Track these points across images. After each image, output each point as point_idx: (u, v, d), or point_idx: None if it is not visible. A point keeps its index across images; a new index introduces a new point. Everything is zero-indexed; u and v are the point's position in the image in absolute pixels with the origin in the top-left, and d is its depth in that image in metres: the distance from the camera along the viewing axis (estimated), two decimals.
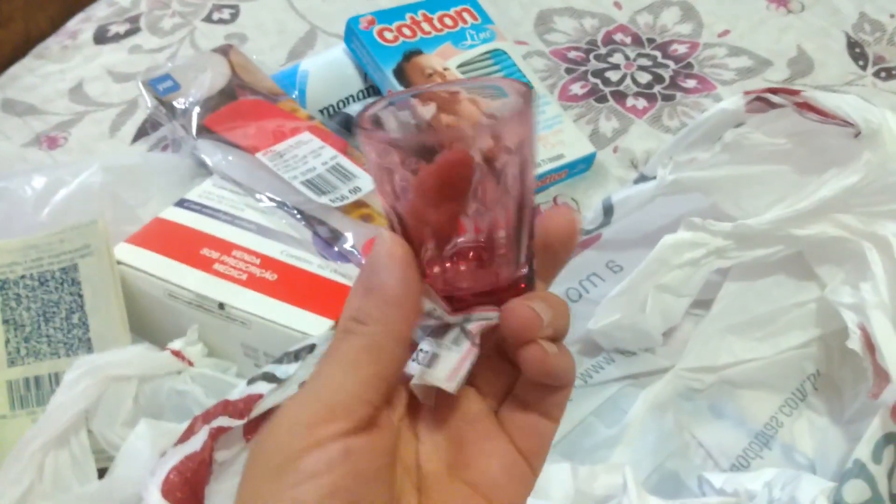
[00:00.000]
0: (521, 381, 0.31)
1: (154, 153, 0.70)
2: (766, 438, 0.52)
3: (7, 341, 0.51)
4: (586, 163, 0.70)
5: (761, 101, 0.49)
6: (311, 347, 0.47)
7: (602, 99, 0.75)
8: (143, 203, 0.62)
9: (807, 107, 0.48)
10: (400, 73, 0.69)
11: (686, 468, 0.50)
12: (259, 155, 0.60)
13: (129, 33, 0.86)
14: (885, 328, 0.46)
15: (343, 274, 0.53)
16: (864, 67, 0.79)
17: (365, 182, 0.60)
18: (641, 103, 0.75)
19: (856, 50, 0.81)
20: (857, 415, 0.50)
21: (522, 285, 0.30)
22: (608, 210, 0.57)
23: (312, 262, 0.54)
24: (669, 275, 0.53)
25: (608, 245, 0.58)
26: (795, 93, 0.50)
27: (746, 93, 0.51)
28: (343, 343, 0.27)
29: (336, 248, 0.54)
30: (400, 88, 0.67)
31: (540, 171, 0.67)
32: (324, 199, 0.57)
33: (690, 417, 0.52)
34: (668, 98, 0.76)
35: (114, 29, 0.87)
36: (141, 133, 0.75)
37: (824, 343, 0.52)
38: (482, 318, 0.29)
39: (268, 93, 0.69)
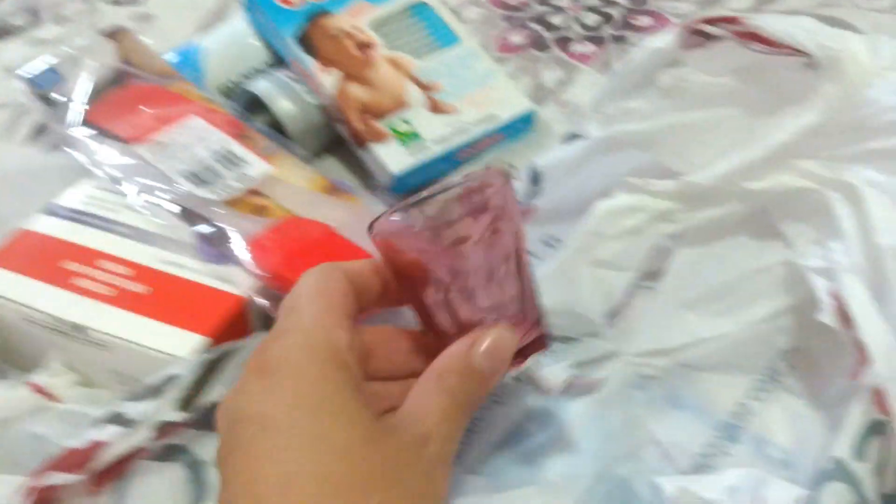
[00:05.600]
0: None
1: (37, 154, 0.63)
2: (733, 430, 0.43)
3: None
4: (525, 122, 0.61)
5: (698, 35, 0.41)
6: (173, 379, 0.40)
7: (543, 47, 0.67)
8: (19, 213, 0.55)
9: (751, 36, 0.39)
10: (305, 40, 0.61)
11: (638, 473, 0.42)
12: (139, 146, 0.53)
13: (30, 25, 0.79)
14: (861, 296, 0.37)
15: (225, 279, 0.46)
16: None
17: (258, 168, 0.52)
18: (588, 48, 0.67)
19: None
20: (842, 396, 0.41)
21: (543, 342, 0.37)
22: (536, 178, 0.49)
23: (192, 268, 0.46)
24: (606, 247, 0.45)
25: (544, 217, 0.49)
26: (736, 21, 0.41)
27: (680, 26, 0.42)
28: None
29: (219, 249, 0.47)
30: (304, 57, 0.59)
31: (469, 136, 0.58)
32: (205, 192, 0.49)
33: (643, 411, 0.44)
34: (618, 40, 0.67)
35: (13, 21, 0.79)
36: (37, 133, 0.67)
37: (798, 312, 0.43)
38: None
39: (159, 76, 0.61)
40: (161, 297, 0.45)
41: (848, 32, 0.39)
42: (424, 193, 0.35)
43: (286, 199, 0.51)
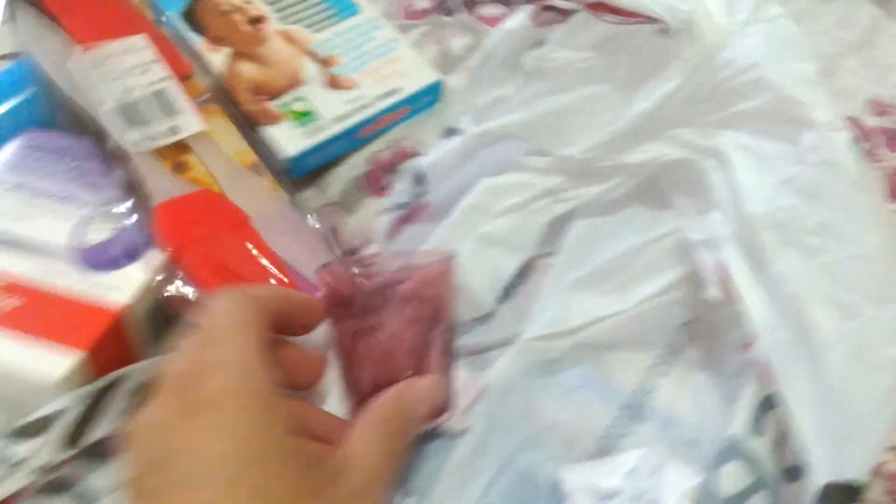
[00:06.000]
0: None
1: None
2: (636, 409, 0.42)
3: None
4: (432, 94, 0.58)
5: (551, 11, 0.39)
6: (54, 417, 0.38)
7: (450, 11, 0.64)
8: None
9: (602, 7, 0.37)
10: (191, 16, 0.57)
11: (542, 462, 0.41)
12: (79, 52, 0.49)
13: None
14: (741, 268, 0.36)
15: (105, 287, 0.43)
16: None
17: (191, 124, 0.49)
18: (497, 10, 0.64)
19: None
20: (743, 366, 0.40)
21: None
22: (420, 179, 0.47)
23: (69, 276, 0.44)
24: (494, 224, 0.43)
25: (436, 214, 0.47)
26: None
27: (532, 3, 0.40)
28: None
29: (126, 207, 0.45)
30: (191, 35, 0.56)
31: (370, 112, 0.56)
32: (132, 135, 0.46)
33: (544, 395, 0.43)
34: None
35: None
36: None
37: (692, 282, 0.42)
38: None
39: None
40: (35, 311, 0.42)
41: None
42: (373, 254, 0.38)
43: (212, 162, 0.48)
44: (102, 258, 0.45)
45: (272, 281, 0.44)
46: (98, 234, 0.46)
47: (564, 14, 0.40)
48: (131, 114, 0.47)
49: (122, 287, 0.44)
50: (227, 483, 0.26)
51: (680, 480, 0.36)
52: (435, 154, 0.46)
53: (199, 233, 0.45)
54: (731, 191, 0.37)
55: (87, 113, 0.47)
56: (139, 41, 0.49)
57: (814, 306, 0.34)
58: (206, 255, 0.44)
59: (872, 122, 0.58)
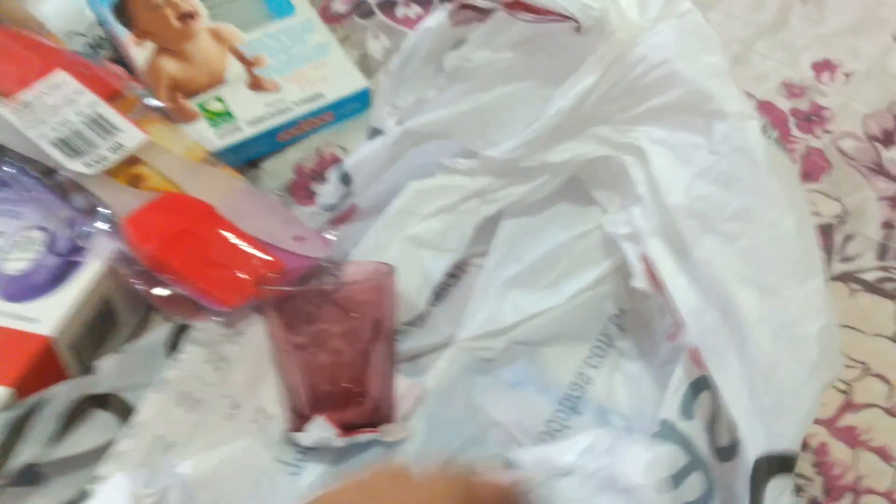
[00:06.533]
0: None
1: None
2: (574, 402, 0.43)
3: None
4: (360, 101, 0.58)
5: (469, 9, 0.39)
6: None
7: (367, 13, 0.64)
8: None
9: (517, 6, 0.38)
10: (121, 9, 0.56)
11: (484, 457, 0.41)
12: (3, 103, 0.47)
13: None
14: (664, 258, 0.37)
15: (28, 318, 0.42)
16: None
17: (132, 137, 0.48)
18: (414, 11, 0.64)
19: None
20: (673, 354, 0.41)
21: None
22: (345, 179, 0.47)
23: None
24: (423, 226, 0.43)
25: (369, 213, 0.47)
26: None
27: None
28: None
29: (91, 227, 0.44)
30: (118, 27, 0.55)
31: (289, 116, 0.55)
32: (77, 164, 0.45)
33: (484, 394, 0.43)
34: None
35: None
36: None
37: (621, 274, 0.43)
38: None
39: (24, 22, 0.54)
40: None
41: None
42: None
43: (168, 168, 0.48)
44: (24, 287, 0.44)
45: (255, 257, 0.45)
46: (17, 263, 0.45)
47: (482, 13, 0.40)
48: (73, 144, 0.46)
49: (48, 315, 0.43)
50: None
51: (636, 451, 0.37)
52: (359, 154, 0.46)
53: (171, 233, 0.45)
54: (651, 184, 0.38)
55: (28, 155, 0.46)
56: (59, 76, 0.48)
57: (736, 289, 0.35)
58: (185, 252, 0.44)
59: (785, 104, 0.60)
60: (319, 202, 0.50)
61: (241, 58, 0.57)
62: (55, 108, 0.47)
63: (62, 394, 0.40)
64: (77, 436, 0.40)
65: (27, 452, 0.38)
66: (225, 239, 0.45)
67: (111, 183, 0.46)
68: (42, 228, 0.47)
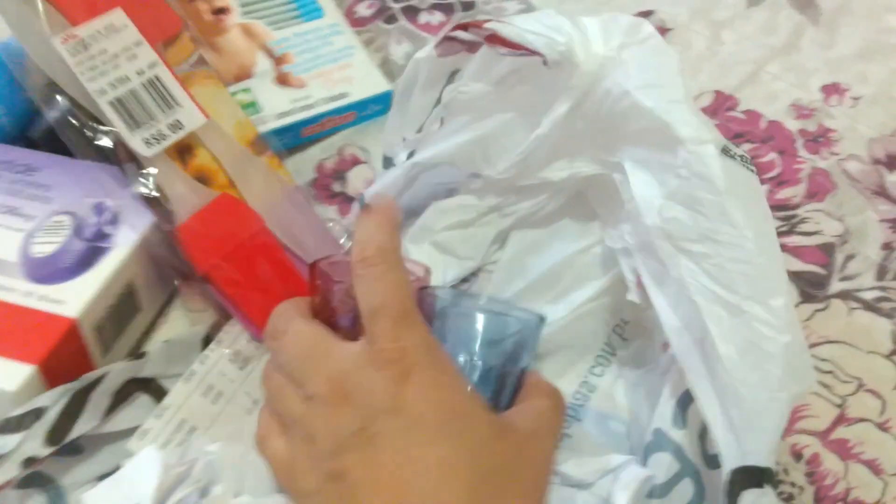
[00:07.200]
0: None
1: None
2: (575, 410, 0.44)
3: None
4: (382, 103, 0.60)
5: (453, 42, 0.41)
6: (39, 412, 0.39)
7: (391, 19, 0.65)
8: None
9: (495, 39, 0.39)
10: None
11: None
12: (57, 42, 0.42)
13: None
14: (648, 277, 0.39)
15: (54, 300, 0.44)
16: None
17: (191, 116, 0.45)
18: (437, 17, 0.66)
19: None
20: (668, 363, 0.43)
21: None
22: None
23: (19, 291, 0.45)
24: (440, 235, 0.45)
25: None
26: (481, 25, 0.41)
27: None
28: None
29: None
30: None
31: (312, 113, 0.57)
32: (138, 140, 0.42)
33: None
34: (467, 7, 0.66)
35: None
36: None
37: (623, 286, 0.44)
38: None
39: None
40: None
41: (585, 18, 0.39)
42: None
43: (216, 147, 0.47)
44: (52, 270, 0.46)
45: (299, 283, 0.45)
46: (45, 246, 0.47)
47: (469, 45, 0.42)
48: (132, 110, 0.44)
49: (74, 298, 0.44)
50: (437, 431, 0.32)
51: (633, 474, 0.38)
52: (377, 184, 0.48)
53: (226, 249, 0.45)
54: (627, 198, 0.39)
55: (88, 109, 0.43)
56: (117, 17, 0.44)
57: (706, 308, 0.36)
58: (237, 273, 0.45)
59: (793, 125, 0.62)
60: (347, 224, 0.52)
61: (270, 54, 0.59)
62: (114, 59, 0.44)
63: (116, 373, 0.42)
64: (120, 413, 0.42)
65: (84, 425, 0.40)
66: (274, 262, 0.46)
67: (168, 164, 0.45)
68: (70, 213, 0.48)
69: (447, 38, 0.42)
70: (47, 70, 0.42)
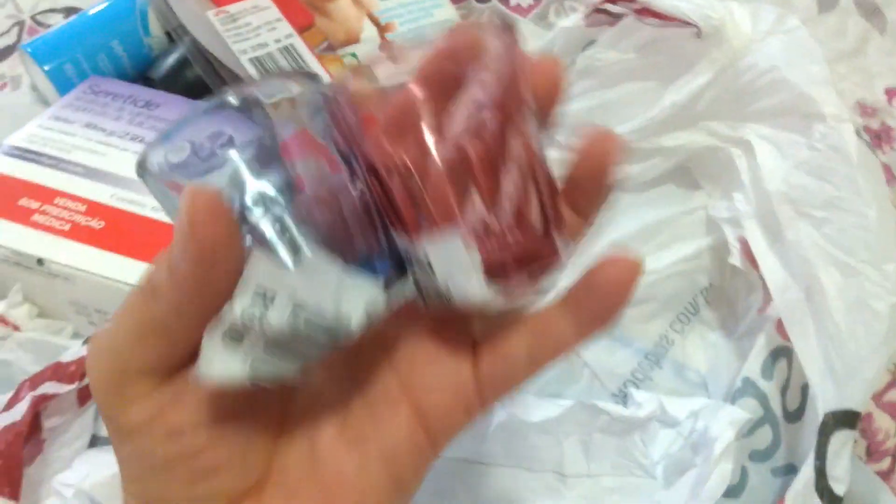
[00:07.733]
0: None
1: None
2: (656, 357, 0.48)
3: None
4: None
5: (602, 13, 0.44)
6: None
7: None
8: None
9: (646, 12, 0.43)
10: None
11: (572, 390, 0.46)
12: (210, 14, 0.51)
13: None
14: (759, 239, 0.42)
15: None
16: None
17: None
18: (526, 1, 0.69)
19: None
20: (750, 329, 0.46)
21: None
22: None
23: (146, 205, 0.48)
24: None
25: None
26: None
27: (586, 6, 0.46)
28: None
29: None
30: None
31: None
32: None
33: None
34: None
35: None
36: None
37: (715, 253, 0.48)
38: None
39: None
40: (116, 231, 0.46)
41: (734, 3, 0.43)
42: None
43: None
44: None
45: None
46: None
47: (613, 17, 0.45)
48: (266, 66, 0.50)
49: None
50: None
51: (727, 416, 0.41)
52: None
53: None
54: (753, 173, 0.43)
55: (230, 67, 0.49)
56: (262, 0, 0.52)
57: (820, 268, 0.40)
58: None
59: (858, 121, 0.66)
60: None
61: (376, 22, 0.62)
62: (256, 29, 0.50)
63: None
64: None
65: None
66: None
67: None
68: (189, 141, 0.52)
69: (597, 10, 0.45)
70: (198, 36, 0.49)
